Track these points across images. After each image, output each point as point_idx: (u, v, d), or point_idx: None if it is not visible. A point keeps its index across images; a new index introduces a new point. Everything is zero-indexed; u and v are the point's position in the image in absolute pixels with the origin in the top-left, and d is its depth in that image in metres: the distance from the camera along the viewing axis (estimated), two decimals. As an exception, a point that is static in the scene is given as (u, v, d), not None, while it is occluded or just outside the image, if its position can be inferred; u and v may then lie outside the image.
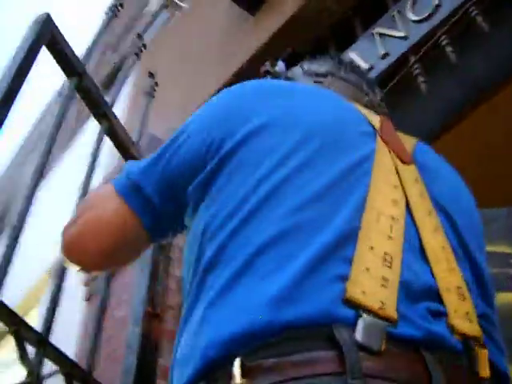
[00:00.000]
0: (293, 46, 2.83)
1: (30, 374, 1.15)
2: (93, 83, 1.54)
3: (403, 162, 0.86)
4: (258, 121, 0.82)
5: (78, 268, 0.97)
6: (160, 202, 0.88)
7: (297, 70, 1.16)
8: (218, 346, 0.64)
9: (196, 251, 0.77)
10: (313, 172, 0.77)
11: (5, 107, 1.25)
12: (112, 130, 1.60)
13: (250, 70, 3.09)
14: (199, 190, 0.82)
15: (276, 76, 1.18)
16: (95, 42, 1.62)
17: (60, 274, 1.34)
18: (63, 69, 1.48)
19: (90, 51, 1.58)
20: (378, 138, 0.87)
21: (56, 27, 1.42)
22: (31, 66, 1.35)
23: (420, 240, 0.76)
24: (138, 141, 1.74)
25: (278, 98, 0.88)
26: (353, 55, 2.56)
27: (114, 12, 1.76)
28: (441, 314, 0.70)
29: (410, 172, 0.85)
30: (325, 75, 1.10)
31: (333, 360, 0.60)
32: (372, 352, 0.61)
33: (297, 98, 0.89)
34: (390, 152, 0.86)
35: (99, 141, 1.57)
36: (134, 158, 1.62)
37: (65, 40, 1.46)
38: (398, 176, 0.83)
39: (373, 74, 2.40)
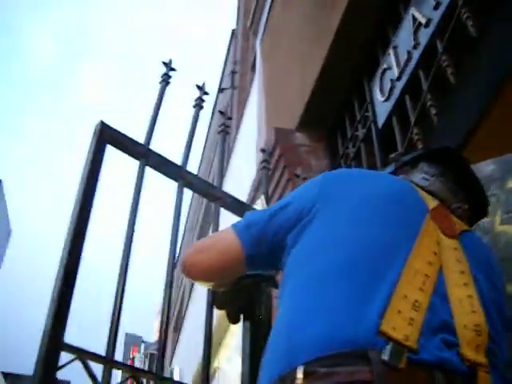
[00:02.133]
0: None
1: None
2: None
3: (446, 235, 1.16)
4: (332, 198, 1.20)
5: (200, 283, 1.43)
6: (262, 242, 1.25)
7: (416, 167, 1.44)
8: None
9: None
10: (367, 232, 1.12)
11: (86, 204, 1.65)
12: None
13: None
14: (294, 237, 1.20)
15: (398, 163, 1.50)
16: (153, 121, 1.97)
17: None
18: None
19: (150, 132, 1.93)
20: (428, 215, 1.18)
21: (112, 129, 1.80)
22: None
23: (447, 292, 1.04)
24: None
25: (349, 183, 1.25)
26: (413, 10, 2.57)
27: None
28: (453, 345, 0.97)
29: (450, 242, 1.16)
30: (432, 176, 1.39)
31: (365, 372, 0.89)
32: (394, 368, 0.90)
33: (360, 182, 1.26)
34: (436, 227, 1.16)
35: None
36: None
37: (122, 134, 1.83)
38: (439, 245, 1.12)
39: (430, 29, 2.41)
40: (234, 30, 10.80)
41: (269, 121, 4.14)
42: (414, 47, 2.55)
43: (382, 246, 1.08)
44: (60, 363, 1.40)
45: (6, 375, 23.13)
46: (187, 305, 9.78)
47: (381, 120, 2.91)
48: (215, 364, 6.25)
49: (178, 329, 12.22)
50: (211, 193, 2.04)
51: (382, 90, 2.88)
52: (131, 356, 19.27)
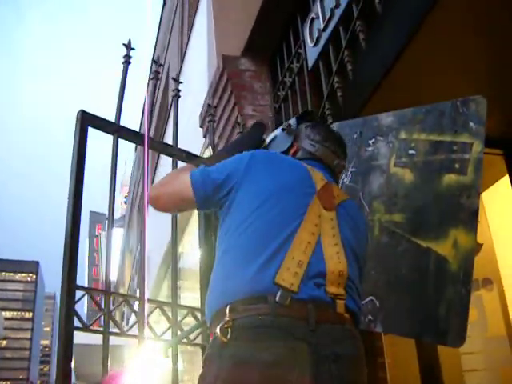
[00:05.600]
0: None
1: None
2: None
3: (326, 209, 1.64)
4: (249, 181, 1.64)
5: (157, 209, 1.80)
6: (207, 195, 1.67)
7: (301, 132, 1.89)
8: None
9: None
10: (273, 213, 1.58)
11: (79, 174, 2.21)
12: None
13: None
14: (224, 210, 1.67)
15: (288, 131, 1.92)
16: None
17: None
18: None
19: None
20: (315, 196, 1.64)
21: (90, 114, 2.31)
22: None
23: (322, 251, 1.55)
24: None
25: (265, 168, 1.68)
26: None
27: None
28: (322, 285, 1.49)
29: (328, 214, 1.63)
30: (317, 142, 1.85)
31: (266, 308, 1.42)
32: (282, 305, 1.42)
33: (273, 168, 1.69)
34: (319, 204, 1.63)
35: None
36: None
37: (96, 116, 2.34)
38: (320, 218, 1.60)
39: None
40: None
41: (217, 47, 4.53)
42: (336, 7, 3.01)
43: (281, 224, 1.55)
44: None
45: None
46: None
47: (311, 61, 3.40)
48: (179, 250, 7.02)
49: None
50: (169, 151, 2.60)
51: (311, 36, 3.35)
52: (96, 234, 20.14)
